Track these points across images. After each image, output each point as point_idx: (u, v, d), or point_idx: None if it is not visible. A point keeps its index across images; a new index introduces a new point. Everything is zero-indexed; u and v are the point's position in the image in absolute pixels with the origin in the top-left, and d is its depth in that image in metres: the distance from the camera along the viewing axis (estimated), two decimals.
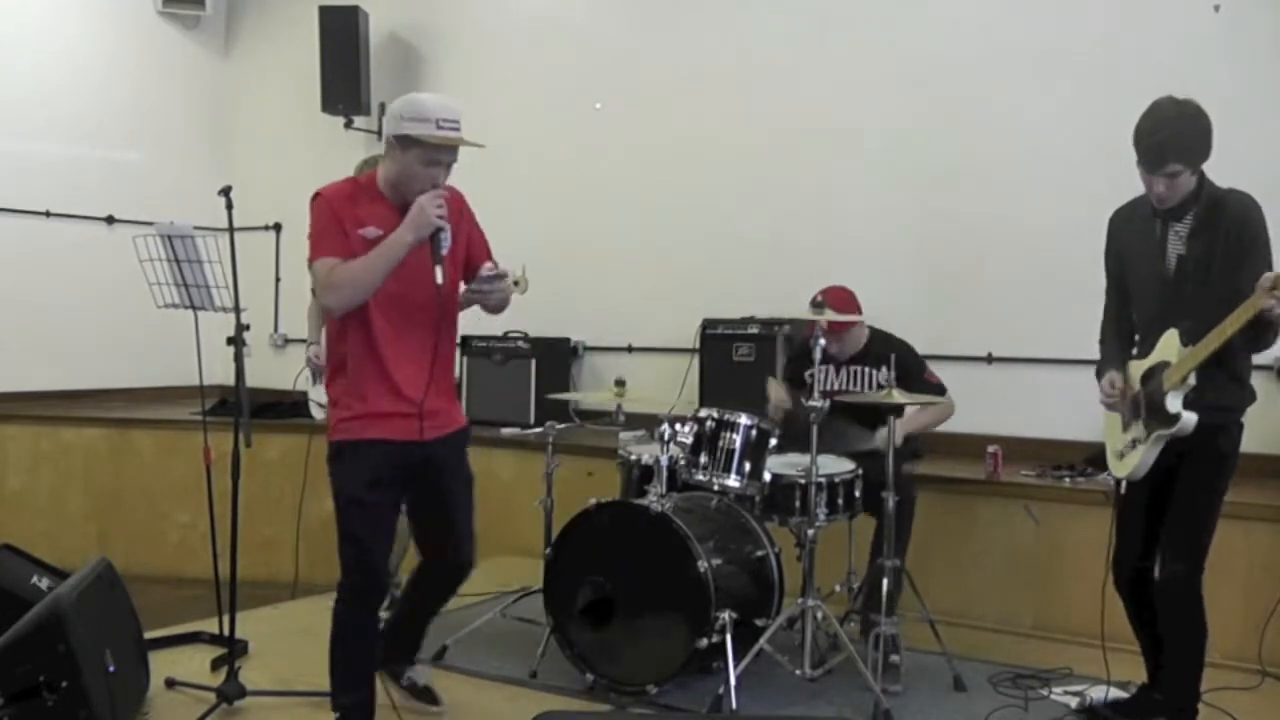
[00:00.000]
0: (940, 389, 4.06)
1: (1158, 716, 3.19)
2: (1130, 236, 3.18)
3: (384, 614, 4.12)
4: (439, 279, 2.86)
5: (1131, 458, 3.08)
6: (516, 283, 4.06)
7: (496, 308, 3.14)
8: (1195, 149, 2.93)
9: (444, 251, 2.89)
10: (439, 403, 3.04)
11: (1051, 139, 4.78)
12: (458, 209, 3.08)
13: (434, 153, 2.91)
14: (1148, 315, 3.15)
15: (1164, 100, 2.97)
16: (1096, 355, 3.31)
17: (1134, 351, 3.22)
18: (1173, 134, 2.91)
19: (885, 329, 4.14)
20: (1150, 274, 3.09)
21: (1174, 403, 2.94)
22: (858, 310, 4.05)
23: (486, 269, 3.03)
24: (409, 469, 3.01)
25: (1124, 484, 3.17)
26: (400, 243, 2.86)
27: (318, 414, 4.62)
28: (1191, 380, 2.91)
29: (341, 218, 2.92)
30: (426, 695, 3.34)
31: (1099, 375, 3.25)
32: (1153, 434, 3.00)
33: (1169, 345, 2.99)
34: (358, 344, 2.96)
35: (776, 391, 4.18)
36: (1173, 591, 3.05)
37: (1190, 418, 2.92)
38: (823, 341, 3.62)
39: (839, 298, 3.98)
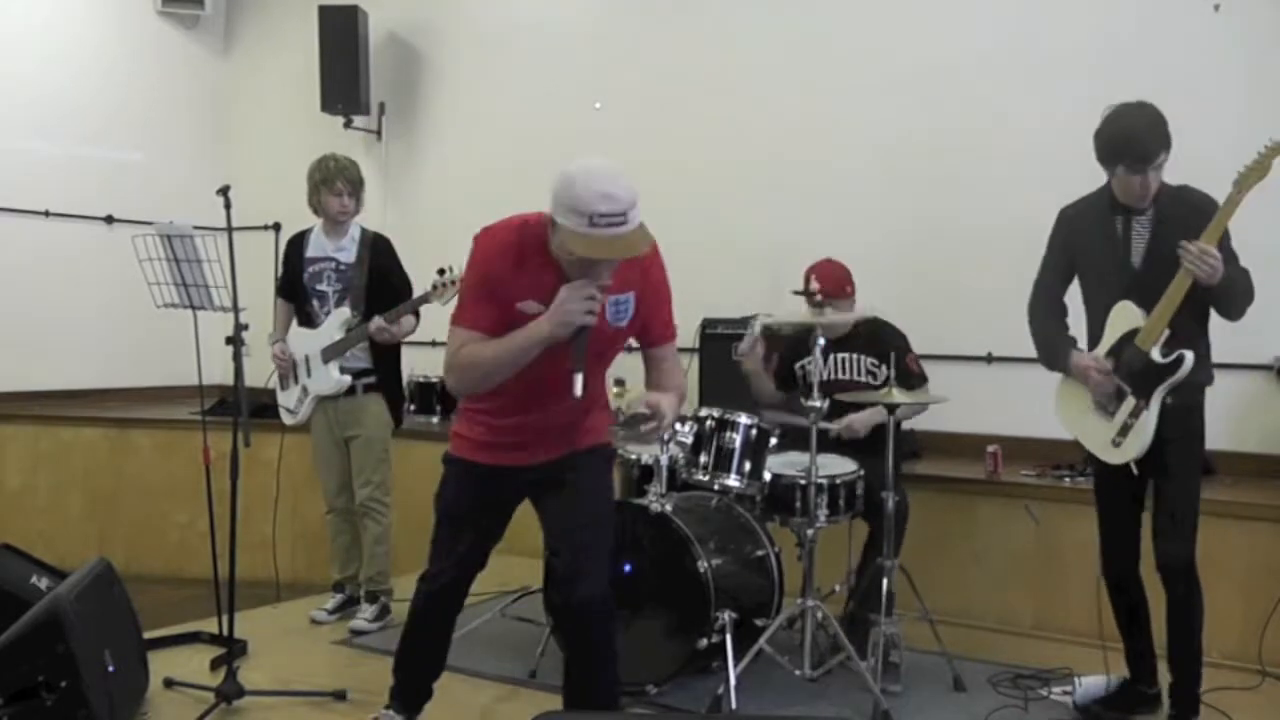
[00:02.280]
0: (922, 378, 4.08)
1: (1143, 709, 3.27)
2: (1086, 235, 3.25)
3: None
4: (577, 390, 2.44)
5: (1132, 437, 3.09)
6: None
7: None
8: (1169, 136, 3.03)
9: (599, 337, 2.55)
10: (555, 440, 2.78)
11: (1051, 139, 4.77)
12: (640, 271, 2.66)
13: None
14: (1109, 308, 3.18)
15: (1121, 107, 3.09)
16: (1034, 346, 3.34)
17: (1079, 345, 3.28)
18: (1150, 129, 3.02)
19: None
20: (1114, 269, 3.15)
21: (1159, 354, 3.01)
22: (850, 283, 4.08)
23: (639, 408, 2.55)
24: (513, 489, 2.85)
25: (1133, 465, 3.13)
26: (536, 338, 2.49)
27: (286, 419, 4.44)
28: (1168, 331, 2.99)
29: (494, 283, 2.55)
30: None
31: (1054, 362, 3.29)
32: (1154, 393, 3.03)
33: (1126, 315, 3.09)
34: (477, 406, 2.77)
35: (751, 346, 4.10)
36: (1177, 571, 3.10)
37: (1189, 355, 2.98)
38: (822, 342, 3.61)
39: (829, 274, 4.01)
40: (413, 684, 3.06)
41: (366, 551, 4.30)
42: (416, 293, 4.17)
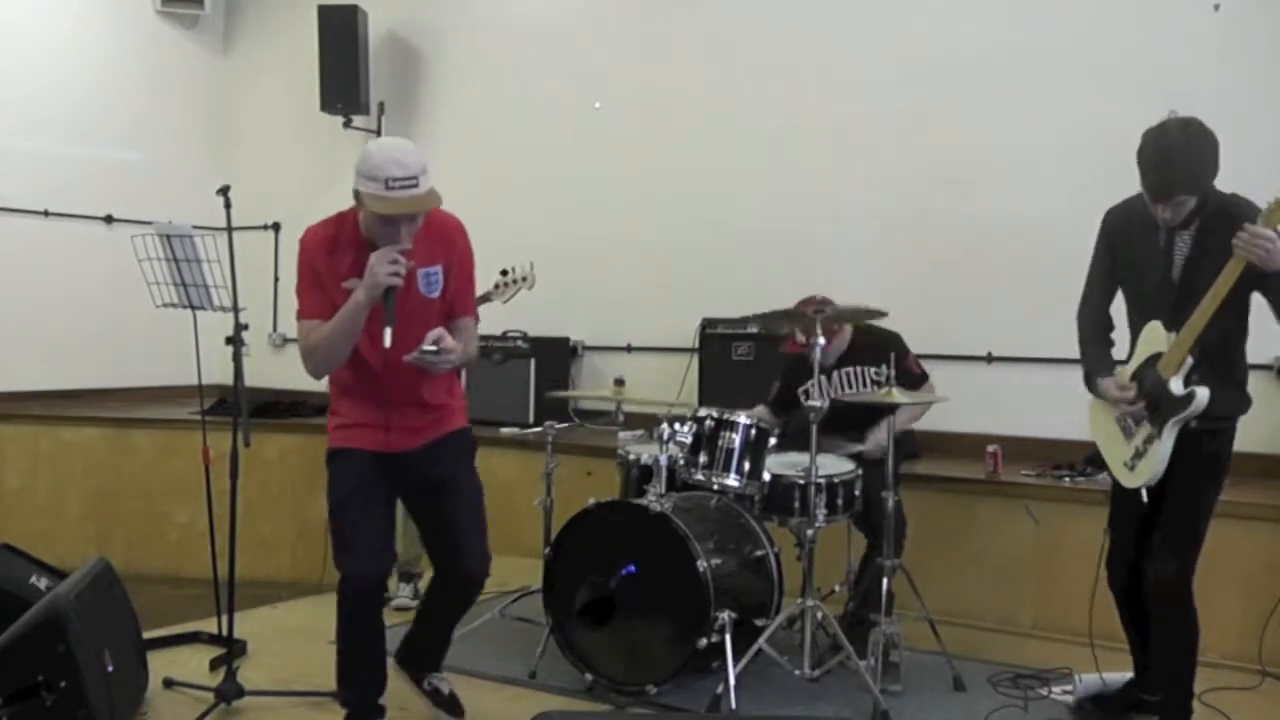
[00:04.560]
0: (923, 377, 4.08)
1: (1139, 713, 3.22)
2: (1131, 242, 3.13)
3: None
4: (387, 341, 2.75)
5: (1145, 463, 3.01)
6: (524, 278, 4.14)
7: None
8: (1204, 175, 2.88)
9: (412, 297, 2.85)
10: (410, 422, 3.03)
11: (1051, 139, 4.78)
12: (446, 247, 2.97)
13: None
14: (1148, 321, 3.10)
15: (1170, 124, 2.89)
16: (1080, 359, 3.30)
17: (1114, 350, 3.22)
18: (1181, 165, 2.84)
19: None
20: (1156, 282, 3.04)
21: (1178, 385, 2.90)
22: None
23: (428, 340, 2.80)
24: (392, 475, 3.02)
25: (1144, 492, 3.04)
26: (357, 306, 2.79)
27: None
28: (1190, 360, 2.88)
29: (319, 271, 2.87)
30: (449, 704, 3.29)
31: (1089, 382, 3.21)
32: (1166, 424, 2.93)
33: (1154, 337, 2.98)
34: (340, 378, 3.03)
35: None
36: (1164, 591, 3.05)
37: (1203, 393, 2.86)
38: (821, 341, 3.61)
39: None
40: (365, 703, 3.05)
41: (408, 535, 4.39)
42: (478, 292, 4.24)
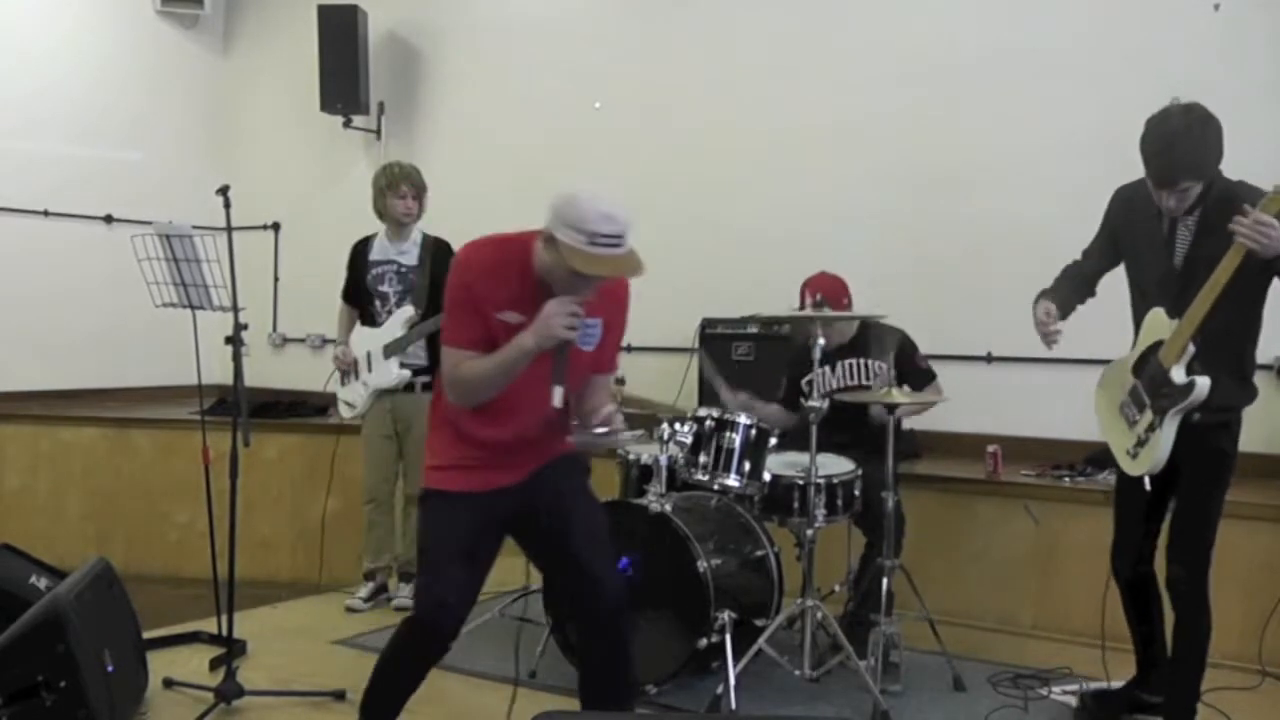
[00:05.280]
0: (930, 374, 4.09)
1: (1140, 712, 3.22)
2: (1134, 226, 3.12)
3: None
4: (556, 401, 2.56)
5: (1147, 451, 2.98)
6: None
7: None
8: (1207, 161, 2.86)
9: (572, 358, 2.62)
10: (526, 463, 2.79)
11: (1051, 139, 4.78)
12: (611, 303, 2.75)
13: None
14: (1151, 308, 3.08)
15: (1173, 110, 2.87)
16: (1095, 355, 3.29)
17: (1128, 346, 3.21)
18: (1183, 152, 2.83)
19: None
20: (1158, 269, 3.04)
21: (1179, 374, 2.87)
22: (847, 294, 4.07)
23: (598, 419, 2.63)
24: (501, 516, 2.80)
25: (1146, 479, 3.03)
26: (522, 352, 2.57)
27: (346, 413, 4.71)
28: (1191, 348, 2.85)
29: (479, 299, 2.63)
30: None
31: (1036, 299, 3.22)
32: (1167, 413, 2.90)
33: (1157, 324, 2.95)
34: (459, 415, 2.75)
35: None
36: (1180, 591, 3.05)
37: (1204, 382, 2.84)
38: (821, 341, 3.61)
39: (828, 286, 3.99)
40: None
41: (409, 536, 4.50)
42: None
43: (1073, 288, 3.27)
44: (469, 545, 2.73)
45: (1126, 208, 3.15)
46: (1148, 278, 3.09)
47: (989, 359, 4.96)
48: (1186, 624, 3.06)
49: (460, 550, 2.71)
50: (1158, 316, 2.96)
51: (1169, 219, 3.00)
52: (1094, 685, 3.42)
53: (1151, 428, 2.97)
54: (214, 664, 3.67)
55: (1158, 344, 2.95)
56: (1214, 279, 2.77)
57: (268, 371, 6.69)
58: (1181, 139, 2.83)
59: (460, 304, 2.67)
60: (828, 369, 4.10)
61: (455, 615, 2.69)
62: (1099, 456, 4.19)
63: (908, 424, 4.22)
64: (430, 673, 3.19)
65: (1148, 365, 2.98)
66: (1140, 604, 3.26)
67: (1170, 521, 3.08)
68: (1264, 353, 4.18)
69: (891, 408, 3.59)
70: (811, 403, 3.55)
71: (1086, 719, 3.35)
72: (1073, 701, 3.45)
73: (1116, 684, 3.36)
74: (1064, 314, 3.18)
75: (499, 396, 2.67)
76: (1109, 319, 3.28)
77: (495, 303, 2.63)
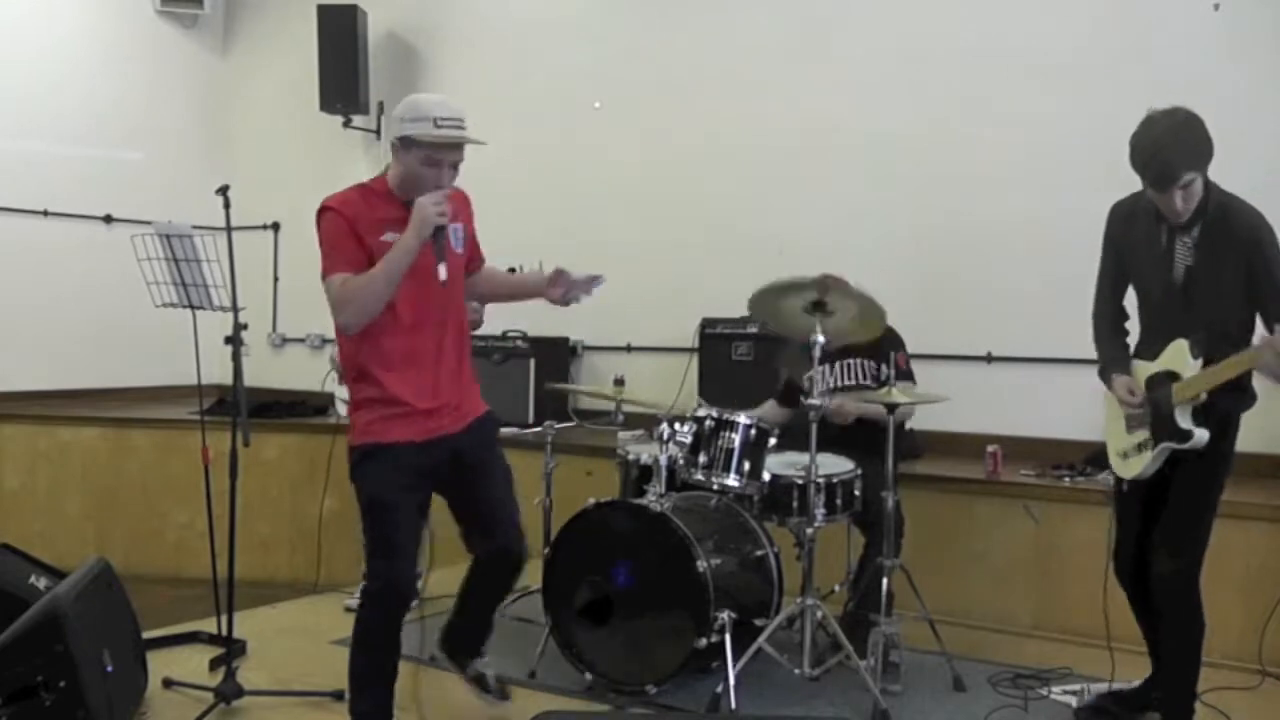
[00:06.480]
0: (910, 377, 4.09)
1: (1155, 712, 3.20)
2: (1134, 240, 3.13)
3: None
4: (441, 276, 2.86)
5: (1136, 461, 3.07)
6: None
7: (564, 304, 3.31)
8: (1202, 152, 2.88)
9: (447, 248, 2.92)
10: (453, 396, 3.02)
11: (1051, 139, 4.78)
12: (464, 206, 3.12)
13: (435, 152, 2.86)
14: (1156, 321, 3.11)
15: (1154, 115, 2.92)
16: (1095, 355, 3.29)
17: (1132, 347, 3.21)
18: (1176, 145, 2.85)
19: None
20: (1158, 283, 3.05)
21: (1185, 419, 2.94)
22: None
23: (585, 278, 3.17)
24: (433, 468, 2.98)
25: (1125, 482, 3.17)
26: (406, 248, 2.82)
27: (344, 411, 4.64)
28: (1203, 397, 2.91)
29: (356, 225, 2.86)
30: (493, 688, 3.31)
31: (1104, 376, 3.22)
32: (1160, 445, 2.99)
33: (1178, 355, 2.98)
34: (369, 348, 2.92)
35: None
36: (1168, 588, 3.05)
37: (1202, 434, 2.92)
38: (821, 339, 3.60)
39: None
40: (381, 716, 2.99)
41: None
42: None
43: (1118, 342, 3.25)
44: (411, 498, 2.96)
45: (1126, 222, 3.16)
46: (1153, 295, 3.11)
47: (989, 359, 4.96)
48: (1175, 622, 3.06)
49: (406, 503, 2.93)
50: (1181, 350, 2.97)
51: (1167, 235, 3.01)
52: (1098, 686, 3.41)
53: (1144, 446, 3.05)
54: (213, 664, 3.66)
55: (1173, 375, 2.98)
56: (1238, 360, 2.83)
57: (267, 371, 6.70)
58: (1170, 136, 2.86)
59: (340, 234, 2.86)
60: (825, 367, 4.09)
61: (411, 567, 2.94)
62: (1099, 456, 4.17)
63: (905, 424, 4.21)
64: (430, 673, 3.22)
65: (1160, 387, 3.01)
66: (1144, 602, 3.26)
67: (1163, 517, 3.09)
68: None
69: (891, 407, 3.59)
70: (812, 402, 3.54)
71: None
72: (1073, 701, 3.45)
73: (1135, 683, 3.34)
74: (1129, 372, 3.18)
75: (397, 333, 2.90)
76: None
77: (372, 227, 2.87)
